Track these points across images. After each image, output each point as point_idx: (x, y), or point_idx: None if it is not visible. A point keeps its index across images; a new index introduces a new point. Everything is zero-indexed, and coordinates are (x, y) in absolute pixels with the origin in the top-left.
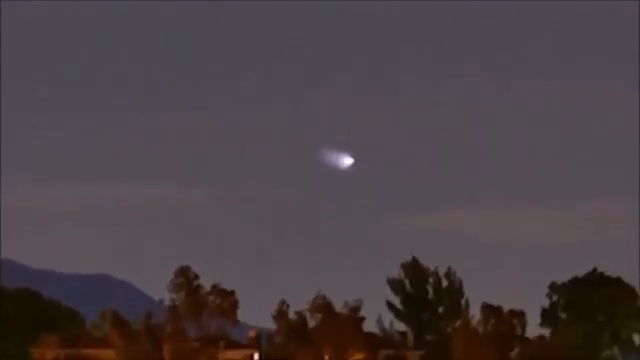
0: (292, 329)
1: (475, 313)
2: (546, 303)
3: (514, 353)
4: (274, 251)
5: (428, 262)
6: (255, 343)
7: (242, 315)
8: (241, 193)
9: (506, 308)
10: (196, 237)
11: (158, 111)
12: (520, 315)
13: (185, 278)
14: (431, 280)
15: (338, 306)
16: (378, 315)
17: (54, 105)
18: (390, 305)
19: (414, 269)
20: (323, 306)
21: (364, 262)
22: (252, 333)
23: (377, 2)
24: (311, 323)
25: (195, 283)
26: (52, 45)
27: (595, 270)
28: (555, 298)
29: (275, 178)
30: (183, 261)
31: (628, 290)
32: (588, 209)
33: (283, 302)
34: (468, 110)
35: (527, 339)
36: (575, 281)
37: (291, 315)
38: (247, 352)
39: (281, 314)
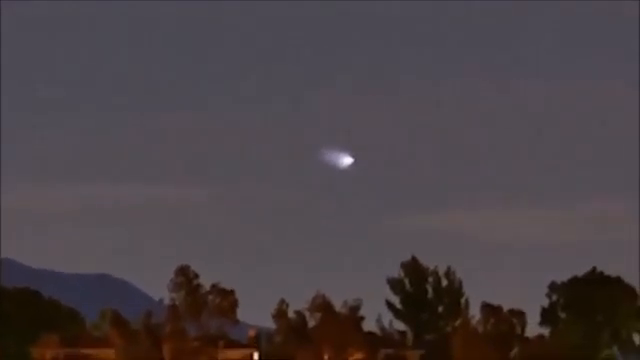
0: (292, 328)
1: (475, 313)
2: (546, 303)
3: (514, 353)
4: (274, 251)
5: (428, 262)
6: (255, 342)
7: (242, 314)
8: (241, 193)
9: (506, 308)
10: (196, 237)
11: (158, 111)
12: (520, 315)
13: (185, 277)
14: (431, 280)
15: (338, 305)
16: (378, 314)
17: (54, 105)
18: (390, 304)
19: (414, 269)
20: (323, 305)
21: (364, 262)
22: (252, 332)
23: (377, 2)
24: (311, 322)
25: (195, 282)
26: (52, 45)
27: (595, 270)
28: (555, 298)
29: (275, 178)
30: (183, 261)
31: (628, 290)
32: (588, 209)
33: (283, 301)
34: (468, 110)
35: (527, 339)
36: (575, 281)
37: (291, 314)
38: (247, 351)
39: (281, 313)
